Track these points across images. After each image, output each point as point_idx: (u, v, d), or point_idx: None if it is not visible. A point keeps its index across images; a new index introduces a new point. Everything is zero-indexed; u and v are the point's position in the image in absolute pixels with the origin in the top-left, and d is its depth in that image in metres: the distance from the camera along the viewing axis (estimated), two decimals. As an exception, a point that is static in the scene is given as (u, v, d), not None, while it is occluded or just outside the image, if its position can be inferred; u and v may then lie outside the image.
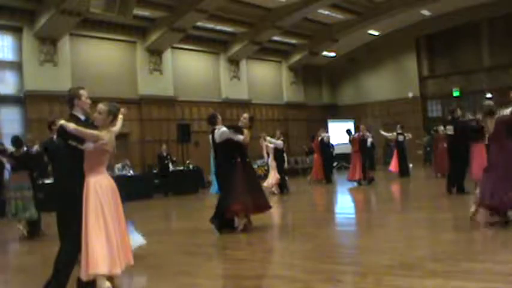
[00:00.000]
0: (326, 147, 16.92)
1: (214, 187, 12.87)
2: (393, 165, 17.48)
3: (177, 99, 19.07)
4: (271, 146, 14.18)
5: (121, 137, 17.37)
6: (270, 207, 8.05)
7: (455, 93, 23.43)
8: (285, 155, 15.07)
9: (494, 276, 4.40)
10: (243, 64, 22.02)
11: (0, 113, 14.45)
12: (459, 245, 5.90)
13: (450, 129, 10.62)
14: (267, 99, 23.30)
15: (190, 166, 17.13)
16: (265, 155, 14.69)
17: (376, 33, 23.98)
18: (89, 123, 4.73)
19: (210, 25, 19.69)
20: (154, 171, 16.66)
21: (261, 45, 21.32)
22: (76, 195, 4.49)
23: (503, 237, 6.35)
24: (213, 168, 13.24)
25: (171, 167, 16.44)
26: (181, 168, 16.87)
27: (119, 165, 15.83)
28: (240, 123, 8.07)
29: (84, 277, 4.31)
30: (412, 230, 7.16)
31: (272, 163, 14.21)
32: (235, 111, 20.52)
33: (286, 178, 14.73)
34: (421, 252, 5.57)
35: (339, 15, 21.92)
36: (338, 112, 26.79)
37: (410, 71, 24.88)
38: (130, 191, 14.78)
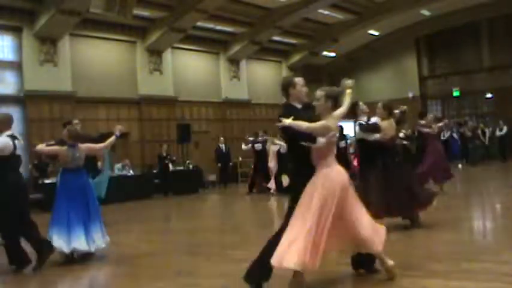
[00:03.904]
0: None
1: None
2: None
3: (177, 99, 19.07)
4: (275, 148, 13.97)
5: (121, 137, 17.45)
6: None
7: (455, 93, 23.43)
8: None
9: (494, 276, 4.40)
10: (243, 64, 22.00)
11: (0, 113, 14.44)
12: (459, 245, 5.90)
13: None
14: (267, 99, 23.25)
15: (190, 166, 17.17)
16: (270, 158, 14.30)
17: (376, 33, 23.96)
18: (308, 109, 4.36)
19: (210, 25, 19.66)
20: (155, 171, 16.68)
21: (261, 45, 21.30)
22: None
23: (503, 237, 6.35)
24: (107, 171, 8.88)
25: (171, 167, 16.47)
26: (181, 168, 16.91)
27: (118, 165, 15.83)
28: (376, 117, 6.86)
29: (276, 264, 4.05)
30: (412, 230, 7.15)
31: (275, 166, 13.95)
32: (235, 111, 20.49)
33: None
34: (421, 252, 5.57)
35: (339, 15, 21.89)
36: (338, 112, 26.71)
37: (410, 71, 24.86)
38: (130, 191, 14.84)
